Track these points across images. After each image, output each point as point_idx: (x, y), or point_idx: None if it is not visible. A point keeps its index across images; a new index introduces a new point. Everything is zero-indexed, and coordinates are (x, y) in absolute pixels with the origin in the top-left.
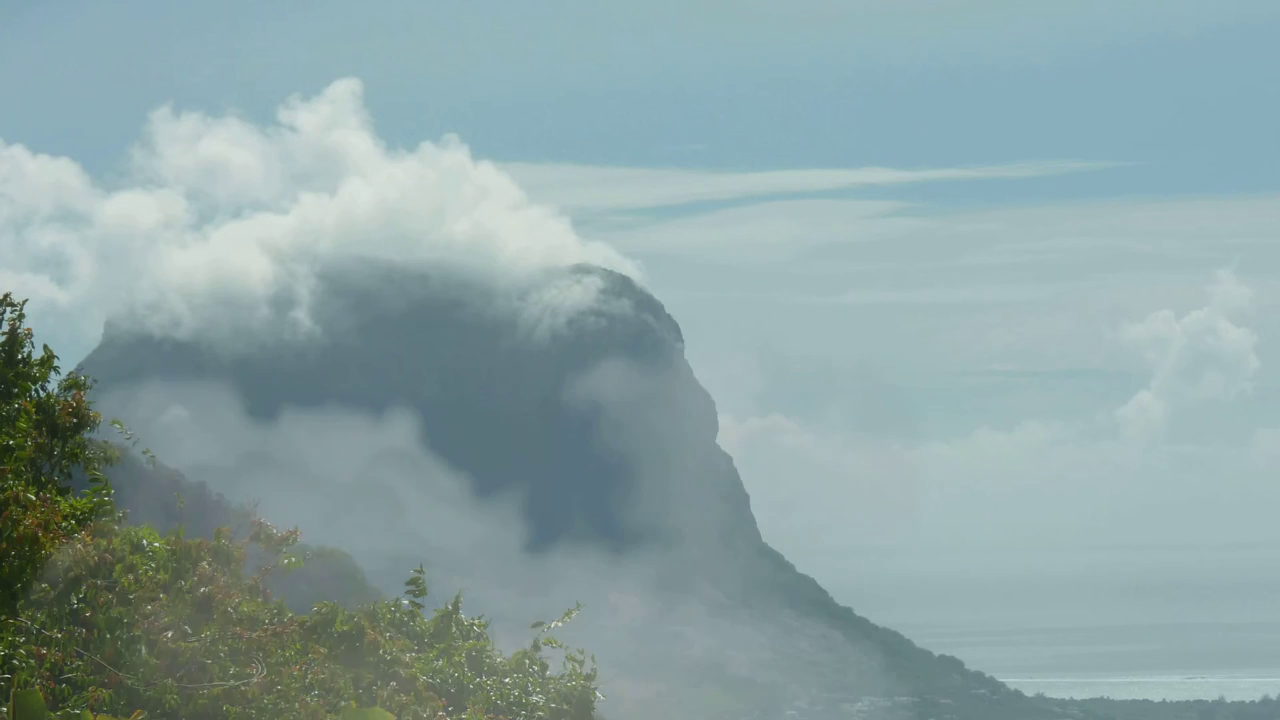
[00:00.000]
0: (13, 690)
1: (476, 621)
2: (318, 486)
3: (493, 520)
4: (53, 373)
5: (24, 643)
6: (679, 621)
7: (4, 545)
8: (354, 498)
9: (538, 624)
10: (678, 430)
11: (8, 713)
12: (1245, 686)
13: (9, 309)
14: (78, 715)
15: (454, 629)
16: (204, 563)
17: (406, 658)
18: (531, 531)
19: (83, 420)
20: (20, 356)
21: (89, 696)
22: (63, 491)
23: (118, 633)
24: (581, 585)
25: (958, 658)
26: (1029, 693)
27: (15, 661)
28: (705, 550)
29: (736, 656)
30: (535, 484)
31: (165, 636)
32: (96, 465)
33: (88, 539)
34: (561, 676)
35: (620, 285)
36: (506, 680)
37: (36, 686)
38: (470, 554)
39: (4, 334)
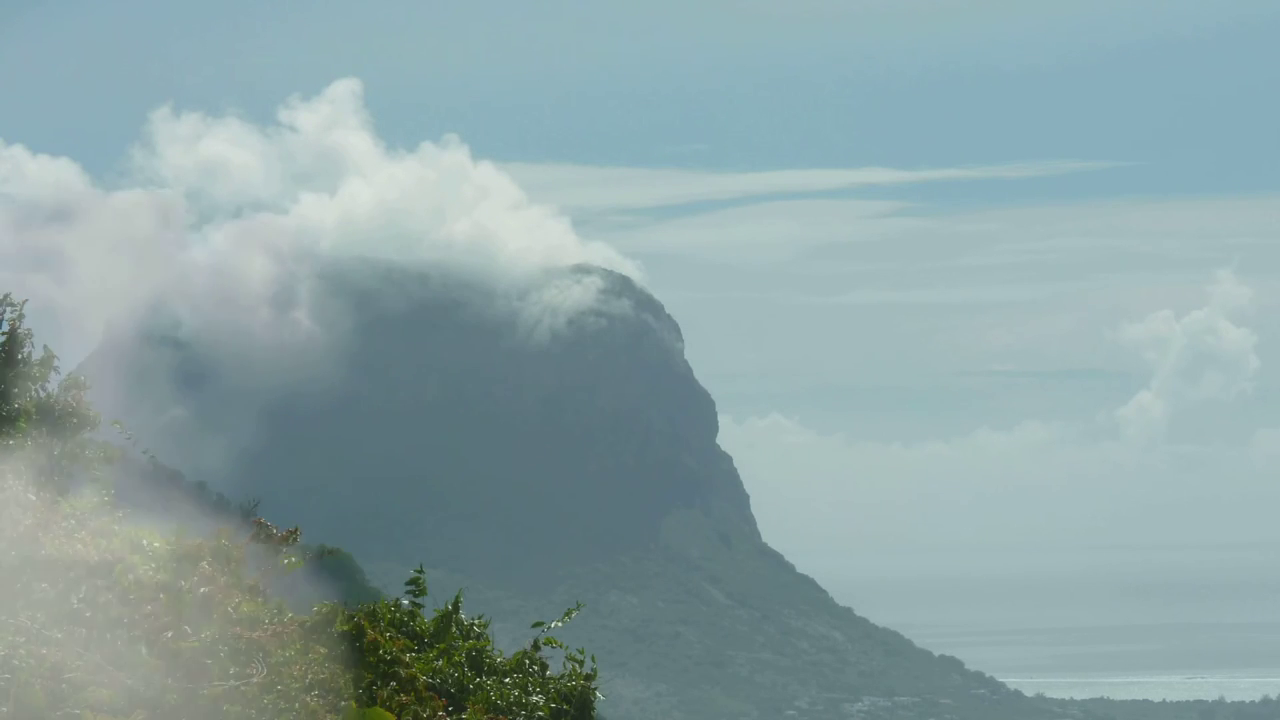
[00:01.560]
0: (12, 690)
1: (477, 621)
2: None
3: None
4: (53, 373)
5: (24, 643)
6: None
7: (4, 545)
8: None
9: (538, 624)
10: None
11: (8, 713)
12: (1245, 686)
13: (9, 309)
14: (78, 715)
15: (454, 629)
16: (204, 563)
17: (406, 658)
18: None
19: (83, 420)
20: (20, 356)
21: (89, 696)
22: (63, 492)
23: (118, 633)
24: None
25: (958, 658)
26: (1029, 693)
27: (15, 661)
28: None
29: (736, 656)
30: None
31: (165, 636)
32: (96, 465)
33: (88, 539)
34: (561, 676)
35: (620, 285)
36: (506, 680)
37: (37, 686)
38: None
39: (4, 334)
